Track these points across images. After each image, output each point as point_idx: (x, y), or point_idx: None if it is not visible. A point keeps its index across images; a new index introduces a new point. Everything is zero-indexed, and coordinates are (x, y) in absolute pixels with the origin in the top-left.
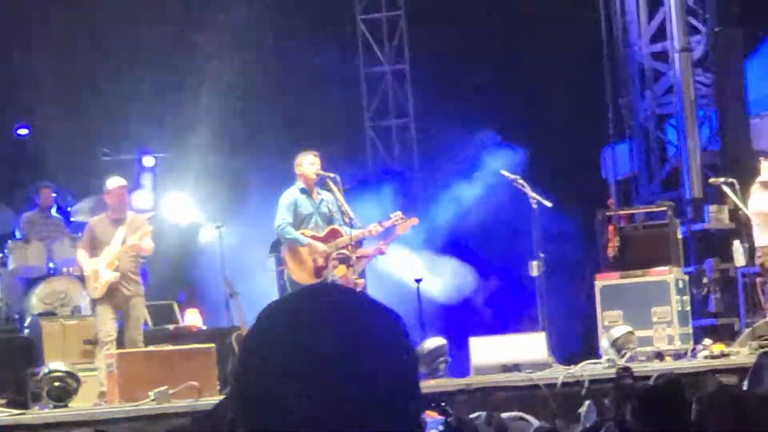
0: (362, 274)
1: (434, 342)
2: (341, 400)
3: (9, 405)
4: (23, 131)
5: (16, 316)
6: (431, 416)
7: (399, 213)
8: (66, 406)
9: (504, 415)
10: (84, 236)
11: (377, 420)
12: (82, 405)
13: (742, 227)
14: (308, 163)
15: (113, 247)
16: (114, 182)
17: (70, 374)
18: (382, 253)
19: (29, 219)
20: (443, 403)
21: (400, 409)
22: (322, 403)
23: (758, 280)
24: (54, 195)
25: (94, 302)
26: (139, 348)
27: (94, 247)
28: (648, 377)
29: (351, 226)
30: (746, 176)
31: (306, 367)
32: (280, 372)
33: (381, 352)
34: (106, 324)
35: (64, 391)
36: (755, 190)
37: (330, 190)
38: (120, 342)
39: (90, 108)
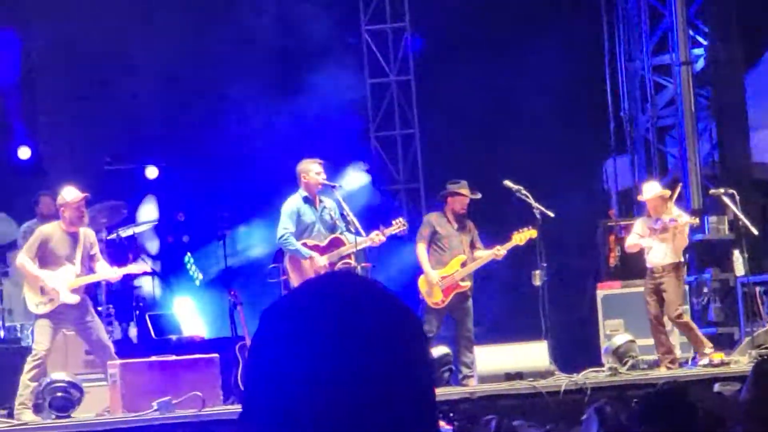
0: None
1: (439, 351)
2: (353, 405)
3: (10, 415)
4: (25, 154)
5: (18, 326)
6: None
7: (401, 219)
8: (69, 416)
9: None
10: (33, 244)
11: (391, 421)
12: (85, 416)
13: (741, 237)
14: (315, 173)
15: (76, 268)
16: (73, 193)
17: (73, 384)
18: (498, 257)
19: (29, 228)
20: (451, 413)
21: (415, 408)
22: (333, 408)
23: (757, 289)
24: (54, 204)
25: (36, 315)
26: (111, 349)
27: (44, 259)
28: (650, 385)
29: (355, 234)
30: (746, 188)
31: (315, 370)
32: (287, 377)
33: (396, 351)
34: (46, 337)
35: (66, 401)
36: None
37: (336, 199)
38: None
39: (94, 117)
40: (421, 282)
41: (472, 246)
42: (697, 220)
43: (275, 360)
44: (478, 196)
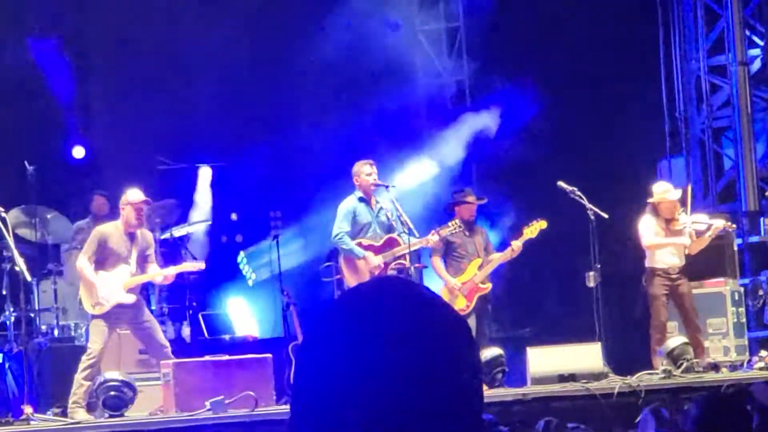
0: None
1: (491, 352)
2: (399, 407)
3: (64, 414)
4: (79, 153)
5: (72, 325)
6: None
7: (456, 221)
8: (122, 415)
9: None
10: (91, 244)
11: (437, 425)
12: (138, 415)
13: None
14: (365, 174)
15: (132, 267)
16: (136, 195)
17: (126, 383)
18: (513, 254)
19: (80, 228)
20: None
21: (461, 413)
22: (379, 409)
23: None
24: (108, 204)
25: (92, 315)
26: (167, 349)
27: (102, 258)
28: (704, 388)
29: (409, 235)
30: None
31: (362, 371)
32: (335, 378)
33: (443, 354)
34: (101, 337)
35: (120, 400)
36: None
37: (391, 200)
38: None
39: (148, 117)
40: (442, 293)
41: (486, 250)
42: (734, 226)
43: (324, 361)
44: (484, 200)
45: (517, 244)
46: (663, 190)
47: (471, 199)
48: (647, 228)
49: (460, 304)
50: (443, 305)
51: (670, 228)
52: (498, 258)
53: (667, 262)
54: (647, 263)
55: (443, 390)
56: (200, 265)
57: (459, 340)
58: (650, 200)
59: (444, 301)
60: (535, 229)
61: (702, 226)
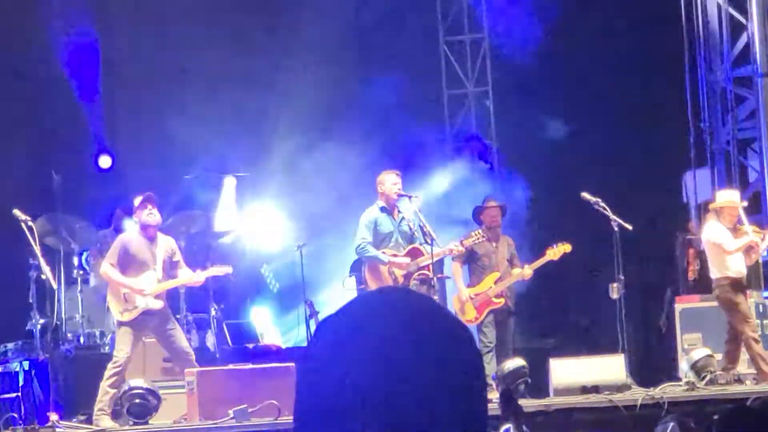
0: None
1: (514, 363)
2: (400, 416)
3: (89, 421)
4: (106, 162)
5: (97, 333)
6: None
7: (479, 231)
8: (146, 423)
9: None
10: (114, 251)
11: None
12: (162, 422)
13: None
14: (391, 183)
15: (158, 274)
16: (138, 198)
17: (151, 391)
18: (525, 278)
19: (104, 236)
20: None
21: (464, 422)
22: (379, 419)
23: None
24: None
25: (119, 323)
26: (191, 357)
27: (126, 265)
28: (728, 401)
29: (432, 245)
30: None
31: (363, 381)
32: (336, 387)
33: (444, 364)
34: (127, 345)
35: (144, 408)
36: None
37: (415, 211)
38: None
39: (174, 127)
40: (455, 300)
41: (511, 262)
42: None
43: (326, 370)
44: (503, 204)
45: (528, 272)
46: (730, 196)
47: (491, 203)
48: (723, 233)
49: (469, 315)
50: (446, 315)
51: (736, 236)
52: (515, 275)
53: (741, 271)
54: (719, 272)
55: (444, 398)
56: (227, 270)
57: (460, 349)
58: (713, 205)
59: (447, 312)
60: (558, 251)
61: (759, 235)
